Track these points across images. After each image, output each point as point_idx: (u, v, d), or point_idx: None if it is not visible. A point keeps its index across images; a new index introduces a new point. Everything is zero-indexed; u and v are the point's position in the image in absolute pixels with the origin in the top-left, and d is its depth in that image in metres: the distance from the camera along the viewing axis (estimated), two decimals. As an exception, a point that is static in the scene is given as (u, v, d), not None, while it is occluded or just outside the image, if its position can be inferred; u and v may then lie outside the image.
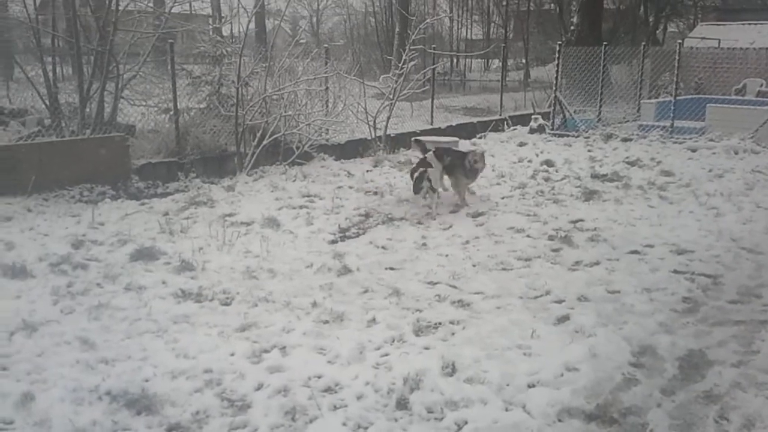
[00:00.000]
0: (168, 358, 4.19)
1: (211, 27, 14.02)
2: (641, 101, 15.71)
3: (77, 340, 4.34)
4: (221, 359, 4.18)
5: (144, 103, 10.87)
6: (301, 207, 8.06)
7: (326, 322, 4.76)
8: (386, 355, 4.27)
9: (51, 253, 6.02)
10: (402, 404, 3.70)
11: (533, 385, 3.88)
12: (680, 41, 15.69)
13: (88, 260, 5.96)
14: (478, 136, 14.70)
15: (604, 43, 16.15)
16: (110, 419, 3.47)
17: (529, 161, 11.29)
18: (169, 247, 6.32)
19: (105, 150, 9.04)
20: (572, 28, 23.01)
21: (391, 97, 12.40)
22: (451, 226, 7.32)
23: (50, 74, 9.93)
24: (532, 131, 14.97)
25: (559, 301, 5.16)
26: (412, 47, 12.25)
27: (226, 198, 8.44)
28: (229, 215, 7.58)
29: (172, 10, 11.41)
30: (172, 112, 10.30)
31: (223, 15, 26.07)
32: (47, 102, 9.78)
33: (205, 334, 4.54)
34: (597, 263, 6.06)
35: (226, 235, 6.63)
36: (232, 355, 4.24)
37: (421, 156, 8.21)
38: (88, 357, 4.12)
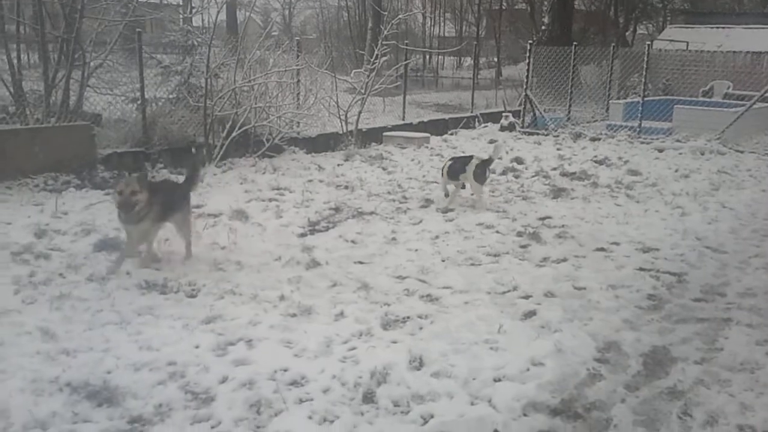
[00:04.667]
0: (131, 349, 4.10)
1: (181, 17, 13.78)
2: (610, 101, 15.93)
3: (38, 330, 4.24)
4: (185, 351, 4.10)
5: (111, 92, 10.66)
6: (270, 200, 7.99)
7: (294, 315, 4.72)
8: (353, 348, 4.24)
9: (13, 242, 5.88)
10: (368, 398, 3.69)
11: (499, 380, 3.89)
12: (649, 43, 15.95)
13: (51, 250, 5.82)
14: (449, 132, 14.75)
15: (574, 43, 16.34)
16: (70, 410, 3.39)
17: (500, 158, 11.33)
18: (134, 238, 6.20)
19: (70, 139, 8.83)
20: (543, 28, 23.29)
21: (362, 91, 12.35)
22: (421, 221, 7.33)
23: (15, 61, 9.68)
24: (502, 129, 15.07)
25: (526, 297, 5.19)
26: (384, 42, 12.23)
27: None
28: (197, 207, 7.45)
29: (141, -1, 11.24)
30: (139, 102, 10.13)
31: (193, 5, 25.74)
32: (11, 89, 9.54)
33: (170, 326, 4.46)
34: (564, 260, 6.12)
35: (192, 227, 6.52)
36: (197, 347, 4.17)
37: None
38: (49, 348, 4.03)
